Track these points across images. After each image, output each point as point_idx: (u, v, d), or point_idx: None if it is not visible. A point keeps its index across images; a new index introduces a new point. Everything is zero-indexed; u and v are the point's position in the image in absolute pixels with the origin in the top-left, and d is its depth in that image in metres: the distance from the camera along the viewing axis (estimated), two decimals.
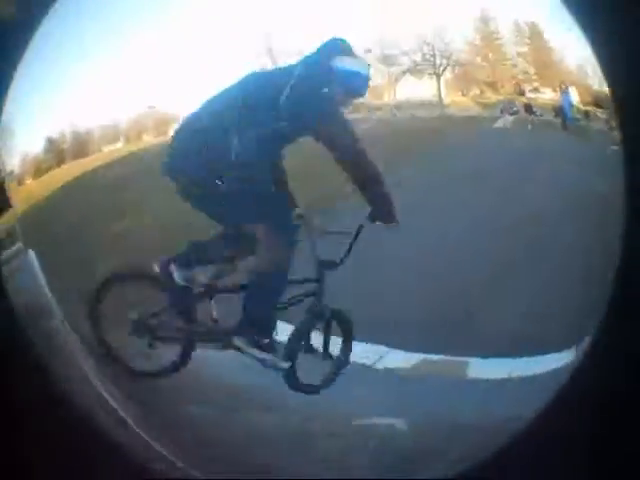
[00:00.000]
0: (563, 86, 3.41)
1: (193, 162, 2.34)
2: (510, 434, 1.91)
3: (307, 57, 2.46)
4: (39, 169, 3.57)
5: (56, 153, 3.74)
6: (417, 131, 3.75)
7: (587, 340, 1.87)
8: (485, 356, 3.08)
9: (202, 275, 2.54)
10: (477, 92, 3.83)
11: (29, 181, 3.44)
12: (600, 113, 3.12)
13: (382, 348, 3.25)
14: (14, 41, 1.64)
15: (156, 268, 2.49)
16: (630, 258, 1.57)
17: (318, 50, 2.45)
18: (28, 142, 3.41)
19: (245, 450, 2.51)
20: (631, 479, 1.64)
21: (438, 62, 3.55)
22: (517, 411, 2.13)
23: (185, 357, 2.53)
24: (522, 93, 3.68)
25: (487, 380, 3.05)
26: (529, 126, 3.74)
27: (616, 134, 1.65)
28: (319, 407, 2.89)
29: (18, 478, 1.65)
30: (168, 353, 2.56)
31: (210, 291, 2.52)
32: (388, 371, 3.20)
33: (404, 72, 3.62)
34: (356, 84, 2.45)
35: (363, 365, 3.20)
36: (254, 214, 2.32)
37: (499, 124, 3.82)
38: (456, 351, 3.10)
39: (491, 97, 3.78)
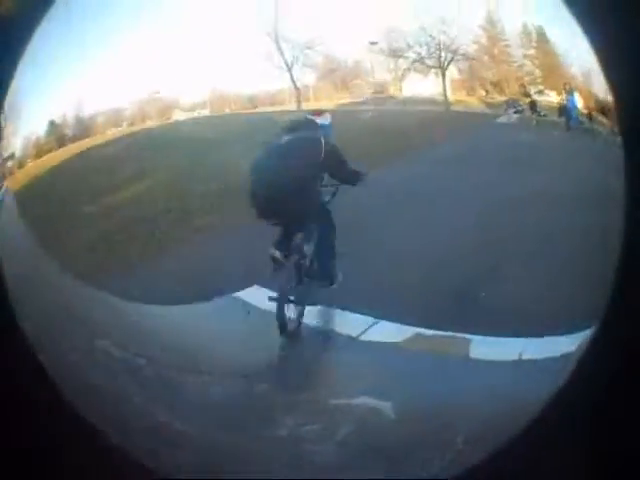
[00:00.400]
0: (568, 87, 3.44)
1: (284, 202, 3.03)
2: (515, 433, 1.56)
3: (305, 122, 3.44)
4: (40, 151, 3.66)
5: (59, 136, 3.82)
6: (422, 122, 3.78)
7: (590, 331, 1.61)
8: (490, 334, 2.61)
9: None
10: (483, 93, 3.89)
11: (30, 163, 3.49)
12: (603, 119, 3.12)
13: (369, 319, 2.88)
14: (19, 30, 1.66)
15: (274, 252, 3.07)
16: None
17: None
18: (33, 125, 3.48)
19: (195, 419, 2.12)
20: None
21: (443, 56, 3.64)
22: (527, 399, 1.72)
23: (302, 312, 3.03)
24: (527, 94, 3.73)
25: (492, 362, 2.54)
26: (534, 122, 3.74)
27: (619, 139, 1.57)
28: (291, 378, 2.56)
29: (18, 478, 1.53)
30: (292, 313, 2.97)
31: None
32: (376, 345, 2.76)
33: (409, 68, 3.72)
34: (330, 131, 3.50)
35: (348, 336, 2.83)
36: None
37: (503, 119, 3.84)
38: (456, 327, 2.72)
39: (496, 97, 3.83)
